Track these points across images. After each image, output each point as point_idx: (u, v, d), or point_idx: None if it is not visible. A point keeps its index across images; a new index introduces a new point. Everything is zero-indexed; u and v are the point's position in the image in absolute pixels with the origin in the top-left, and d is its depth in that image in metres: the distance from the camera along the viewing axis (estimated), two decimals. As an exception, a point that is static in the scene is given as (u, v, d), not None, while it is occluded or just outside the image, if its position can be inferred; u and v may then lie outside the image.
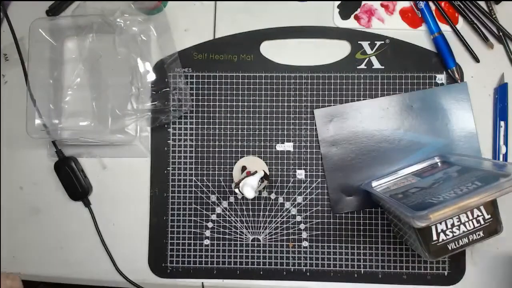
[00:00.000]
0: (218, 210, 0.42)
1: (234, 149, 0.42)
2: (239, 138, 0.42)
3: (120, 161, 0.43)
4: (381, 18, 0.42)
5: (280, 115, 0.42)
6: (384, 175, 0.41)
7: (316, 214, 0.42)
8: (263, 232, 0.42)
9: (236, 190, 0.37)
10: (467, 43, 0.42)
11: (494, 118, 0.41)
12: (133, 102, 0.41)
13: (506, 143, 0.41)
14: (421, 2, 0.41)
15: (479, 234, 0.33)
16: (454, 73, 0.41)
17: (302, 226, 0.42)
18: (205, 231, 0.42)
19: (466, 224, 0.32)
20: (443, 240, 0.32)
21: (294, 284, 0.42)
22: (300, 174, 0.42)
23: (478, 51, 0.42)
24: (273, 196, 0.42)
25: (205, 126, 0.43)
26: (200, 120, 0.43)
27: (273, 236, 0.42)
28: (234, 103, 0.42)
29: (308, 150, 0.42)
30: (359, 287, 0.42)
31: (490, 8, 0.41)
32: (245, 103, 0.42)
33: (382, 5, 0.43)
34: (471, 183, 0.31)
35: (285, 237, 0.42)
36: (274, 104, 0.42)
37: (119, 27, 0.41)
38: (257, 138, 0.42)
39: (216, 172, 0.42)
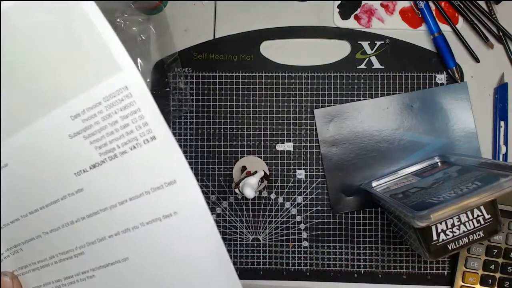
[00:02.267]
0: (218, 210, 0.42)
1: (234, 149, 0.42)
2: (239, 138, 0.42)
3: (120, 161, 0.43)
4: (381, 18, 0.42)
5: (280, 115, 0.42)
6: (384, 175, 0.41)
7: (316, 214, 0.42)
8: (263, 232, 0.42)
9: (236, 190, 0.38)
10: (467, 43, 0.42)
11: (494, 118, 0.41)
12: (133, 102, 0.41)
13: (506, 143, 0.41)
14: (421, 2, 0.41)
15: (479, 234, 0.33)
16: (454, 73, 0.41)
17: (302, 226, 0.42)
18: (205, 231, 0.42)
19: (466, 224, 0.32)
20: (443, 240, 0.32)
21: (294, 284, 0.42)
22: (300, 174, 0.42)
23: (478, 51, 0.42)
24: (273, 196, 0.42)
25: (205, 126, 0.43)
26: (200, 120, 0.43)
27: (273, 236, 0.42)
28: (234, 103, 0.42)
29: (308, 150, 0.42)
30: (359, 287, 0.42)
31: (490, 8, 0.41)
32: (245, 103, 0.42)
33: (382, 5, 0.43)
34: (471, 183, 0.31)
35: (285, 237, 0.42)
36: (274, 104, 0.42)
37: (119, 27, 0.41)
38: (257, 138, 0.42)
39: (216, 172, 0.42)
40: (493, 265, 0.39)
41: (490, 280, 0.39)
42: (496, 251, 0.39)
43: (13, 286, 0.28)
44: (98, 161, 0.24)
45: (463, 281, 0.40)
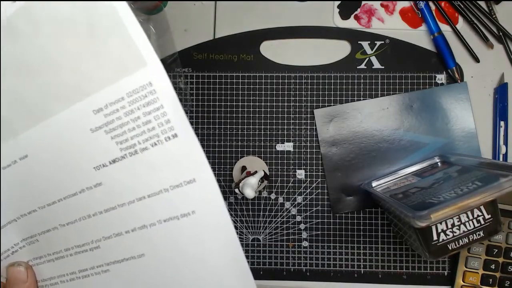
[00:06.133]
0: (218, 210, 0.42)
1: (234, 149, 0.42)
2: (239, 138, 0.42)
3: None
4: (381, 18, 0.42)
5: (280, 115, 0.42)
6: (384, 175, 0.41)
7: (316, 214, 0.42)
8: (263, 232, 0.42)
9: (236, 190, 0.38)
10: (467, 43, 0.42)
11: (494, 118, 0.41)
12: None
13: (506, 143, 0.41)
14: (421, 2, 0.41)
15: (479, 234, 0.33)
16: (454, 73, 0.41)
17: (302, 226, 0.42)
18: (205, 231, 0.42)
19: (466, 224, 0.32)
20: (443, 240, 0.32)
21: (294, 284, 0.42)
22: (300, 174, 0.42)
23: (478, 51, 0.42)
24: (273, 196, 0.42)
25: (205, 126, 0.43)
26: (200, 120, 0.43)
27: (273, 236, 0.42)
28: (234, 103, 0.42)
29: (308, 150, 0.42)
30: (359, 287, 0.42)
31: (490, 8, 0.41)
32: (245, 103, 0.42)
33: (382, 5, 0.43)
34: (471, 183, 0.31)
35: (285, 237, 0.42)
36: (274, 104, 0.42)
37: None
38: (257, 138, 0.42)
39: (216, 172, 0.42)
40: (493, 265, 0.39)
41: (490, 280, 0.39)
42: (496, 250, 0.39)
43: (27, 276, 0.28)
44: (119, 156, 0.24)
45: (463, 281, 0.40)
